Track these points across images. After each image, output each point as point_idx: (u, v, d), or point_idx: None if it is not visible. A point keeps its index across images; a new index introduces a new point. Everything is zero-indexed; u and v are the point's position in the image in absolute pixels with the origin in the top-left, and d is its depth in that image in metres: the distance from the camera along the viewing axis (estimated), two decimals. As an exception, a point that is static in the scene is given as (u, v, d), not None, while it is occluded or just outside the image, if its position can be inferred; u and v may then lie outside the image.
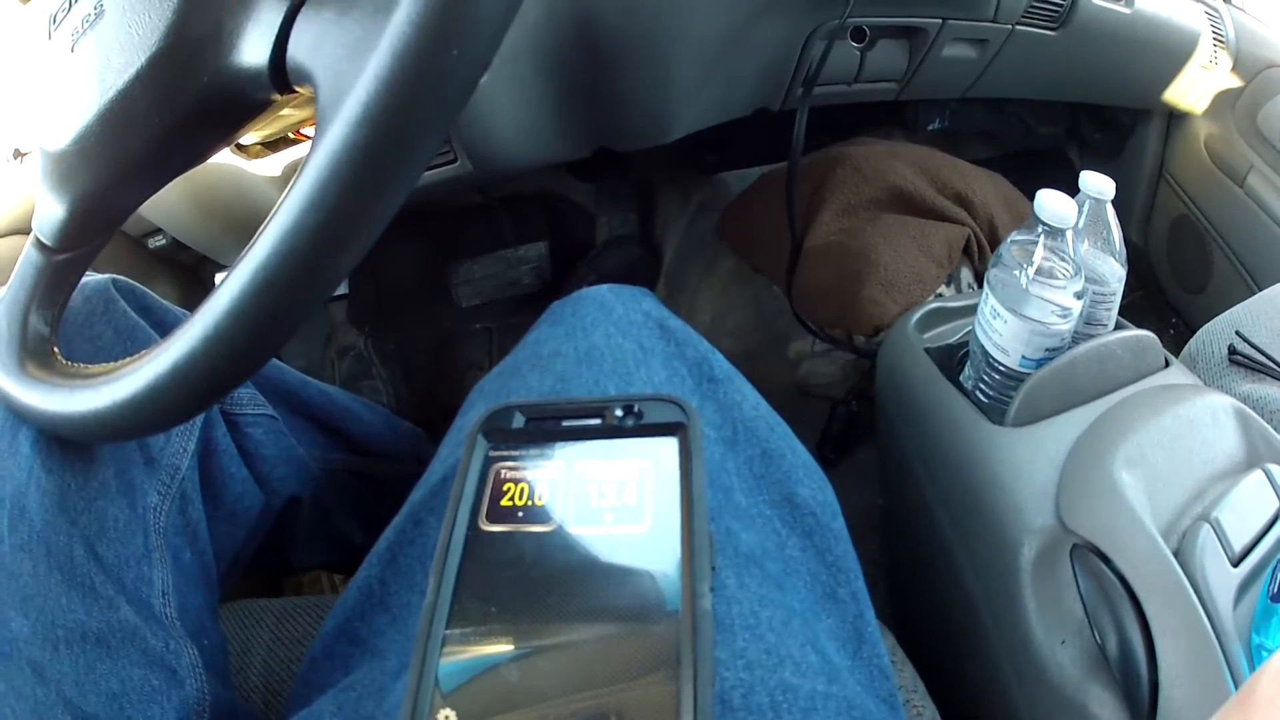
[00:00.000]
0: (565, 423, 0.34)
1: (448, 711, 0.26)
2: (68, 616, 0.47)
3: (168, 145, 0.43)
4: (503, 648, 0.28)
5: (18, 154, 1.04)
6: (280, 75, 0.38)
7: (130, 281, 0.62)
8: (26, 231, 1.01)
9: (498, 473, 0.32)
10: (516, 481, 0.32)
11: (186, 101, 0.40)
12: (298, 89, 0.39)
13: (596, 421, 0.33)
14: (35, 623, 0.46)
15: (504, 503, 0.31)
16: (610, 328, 0.55)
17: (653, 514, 0.30)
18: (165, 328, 0.60)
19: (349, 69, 0.33)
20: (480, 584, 0.29)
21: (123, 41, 0.40)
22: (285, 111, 0.63)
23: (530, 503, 0.31)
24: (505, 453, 0.33)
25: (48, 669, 0.46)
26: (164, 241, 1.10)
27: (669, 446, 0.32)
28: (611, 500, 0.31)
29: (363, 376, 1.37)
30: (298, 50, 0.37)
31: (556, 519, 0.30)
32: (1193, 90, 1.32)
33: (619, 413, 0.33)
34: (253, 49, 0.38)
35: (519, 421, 0.34)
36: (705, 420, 0.52)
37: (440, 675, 0.27)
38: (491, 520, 0.31)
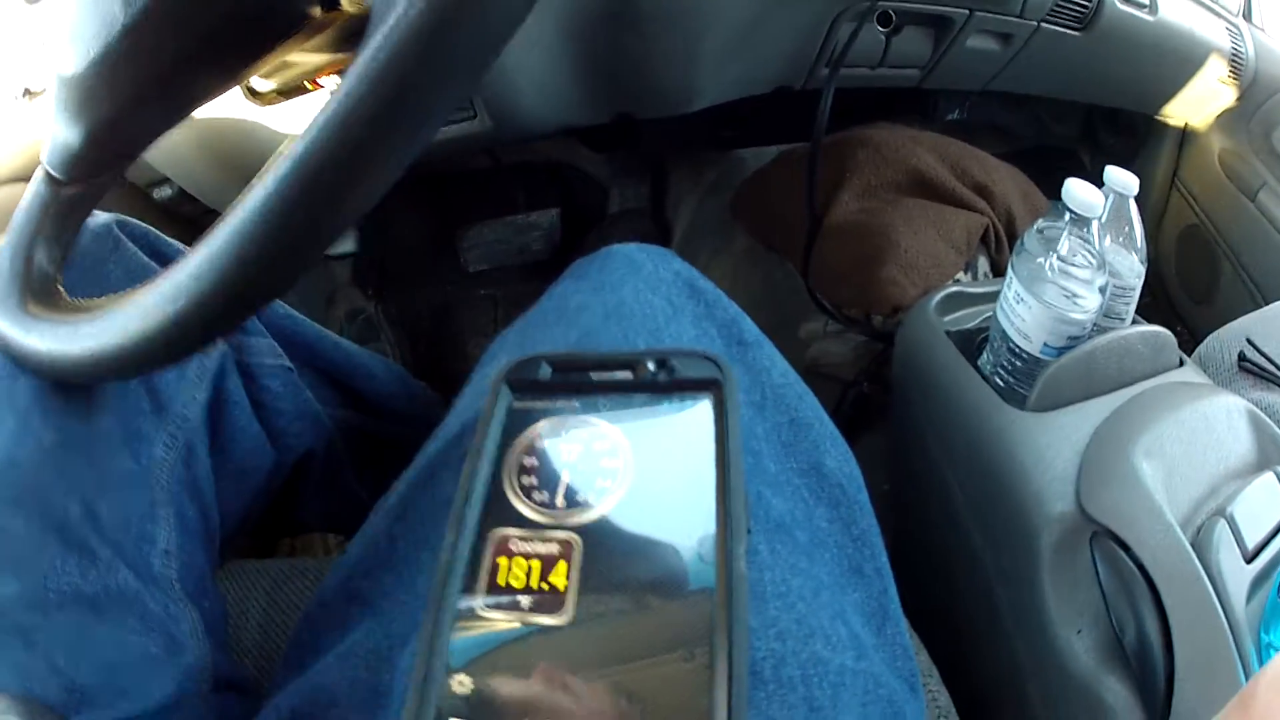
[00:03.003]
0: (594, 375, 0.32)
1: (462, 677, 0.25)
2: (61, 579, 0.44)
3: (194, 65, 0.41)
4: (524, 609, 0.26)
5: (28, 92, 1.01)
6: None
7: (140, 223, 0.59)
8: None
9: (522, 425, 0.31)
10: (542, 435, 0.31)
11: (219, 15, 0.38)
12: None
13: (627, 375, 0.32)
14: (25, 584, 0.43)
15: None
16: (639, 284, 0.53)
17: (686, 473, 0.29)
18: None
19: None
20: (501, 541, 0.28)
21: None
22: (300, 59, 0.61)
23: None
24: (531, 404, 0.32)
25: (37, 634, 0.43)
26: (170, 192, 1.08)
27: (704, 403, 0.31)
28: (643, 458, 0.29)
29: (371, 341, 1.36)
30: None
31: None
32: (1208, 104, 1.32)
33: (651, 367, 0.32)
34: None
35: (545, 373, 0.33)
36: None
37: (455, 640, 0.26)
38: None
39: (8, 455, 0.45)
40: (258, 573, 0.66)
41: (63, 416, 0.48)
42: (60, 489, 0.46)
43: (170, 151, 0.95)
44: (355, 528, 0.53)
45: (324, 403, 0.74)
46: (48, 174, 0.46)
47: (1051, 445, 0.68)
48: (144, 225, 0.59)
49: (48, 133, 0.45)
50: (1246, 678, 0.53)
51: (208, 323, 0.37)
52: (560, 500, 0.29)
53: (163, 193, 1.08)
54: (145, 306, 0.38)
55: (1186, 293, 1.45)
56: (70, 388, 0.49)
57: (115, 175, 0.49)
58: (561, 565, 0.27)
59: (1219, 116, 1.34)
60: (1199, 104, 1.32)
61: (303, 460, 0.72)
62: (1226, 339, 0.90)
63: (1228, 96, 1.31)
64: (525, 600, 0.26)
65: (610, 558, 0.27)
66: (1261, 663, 0.55)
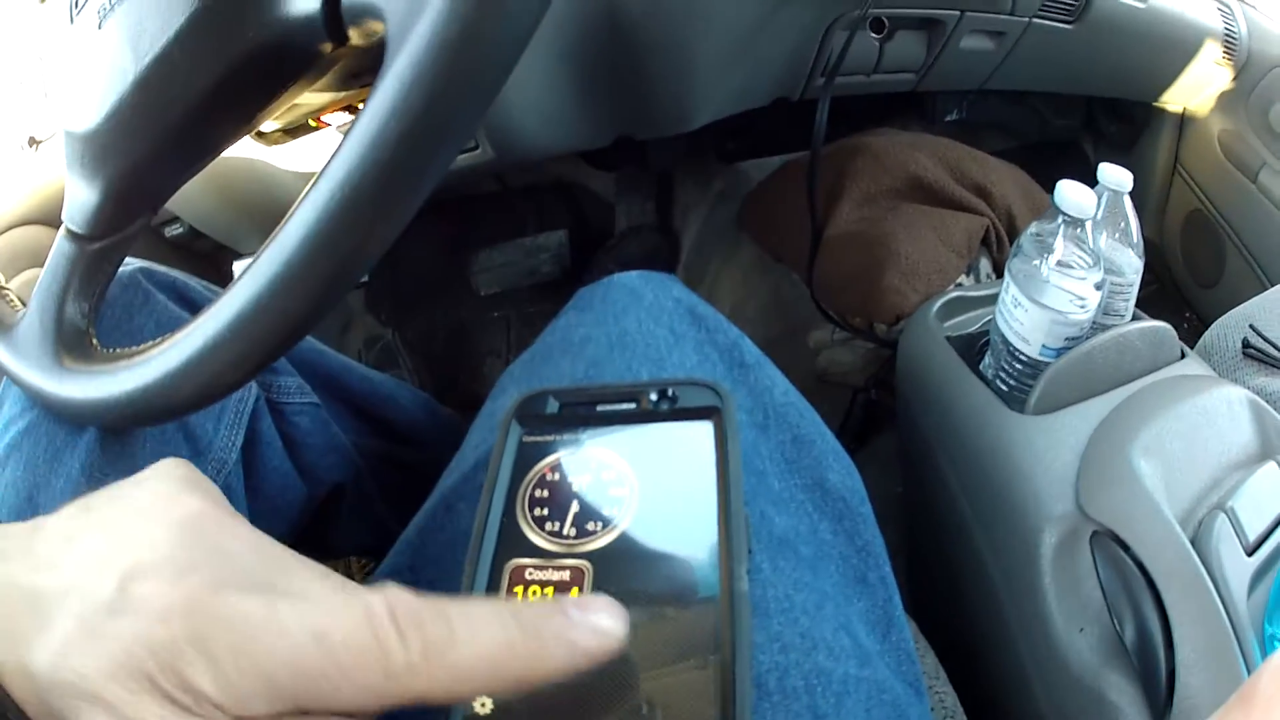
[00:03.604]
0: (599, 407, 0.33)
1: (484, 699, 0.26)
2: None
3: (208, 113, 0.41)
4: None
5: (33, 142, 1.03)
6: (334, 19, 0.36)
7: (166, 271, 0.60)
8: (41, 221, 1.02)
9: (532, 459, 0.32)
10: (552, 468, 0.32)
11: (231, 60, 0.38)
12: (352, 32, 0.37)
13: (631, 406, 0.33)
14: None
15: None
16: (641, 313, 0.54)
17: (689, 498, 0.30)
18: None
19: None
20: (516, 570, 0.29)
21: (158, 4, 0.38)
22: (305, 99, 0.62)
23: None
24: (540, 438, 0.33)
25: None
26: (181, 230, 1.10)
27: (704, 430, 0.32)
28: (648, 486, 0.30)
29: (389, 367, 1.37)
30: None
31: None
32: (1205, 87, 1.32)
33: (654, 397, 0.33)
34: None
35: (553, 407, 0.34)
36: (738, 405, 0.51)
37: None
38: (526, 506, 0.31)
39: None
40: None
41: (107, 474, 0.49)
42: None
43: (180, 192, 0.96)
44: (386, 553, 0.54)
45: (351, 433, 0.76)
46: (70, 231, 0.47)
47: (1051, 447, 0.69)
48: (170, 273, 0.60)
49: (66, 190, 0.46)
50: (1249, 671, 0.53)
51: (242, 365, 0.38)
52: (570, 529, 0.30)
53: (174, 230, 1.09)
54: (180, 352, 0.38)
55: (1194, 278, 1.44)
56: (115, 446, 0.50)
57: (140, 228, 0.49)
58: (574, 591, 0.28)
59: (1216, 98, 1.34)
60: (1196, 88, 1.32)
61: (333, 492, 0.73)
62: (1230, 326, 0.90)
63: (1224, 78, 1.31)
64: None
65: (619, 582, 0.28)
66: (1265, 654, 0.55)
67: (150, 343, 0.42)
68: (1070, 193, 0.66)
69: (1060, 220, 0.68)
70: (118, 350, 0.45)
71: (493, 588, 0.29)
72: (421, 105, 0.32)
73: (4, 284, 0.53)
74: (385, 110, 0.32)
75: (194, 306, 0.60)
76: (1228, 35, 1.26)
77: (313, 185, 0.34)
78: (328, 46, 0.38)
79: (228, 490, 0.58)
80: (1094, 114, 1.55)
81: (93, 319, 0.48)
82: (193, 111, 0.41)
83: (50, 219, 1.04)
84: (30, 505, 0.48)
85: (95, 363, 0.44)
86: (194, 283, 0.62)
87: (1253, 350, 0.85)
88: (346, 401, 0.76)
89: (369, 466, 0.78)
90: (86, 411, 0.44)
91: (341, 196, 0.33)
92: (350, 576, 0.85)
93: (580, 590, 0.28)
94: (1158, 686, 0.56)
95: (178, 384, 0.39)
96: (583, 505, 0.31)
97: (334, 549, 0.82)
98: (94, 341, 0.47)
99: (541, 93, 0.88)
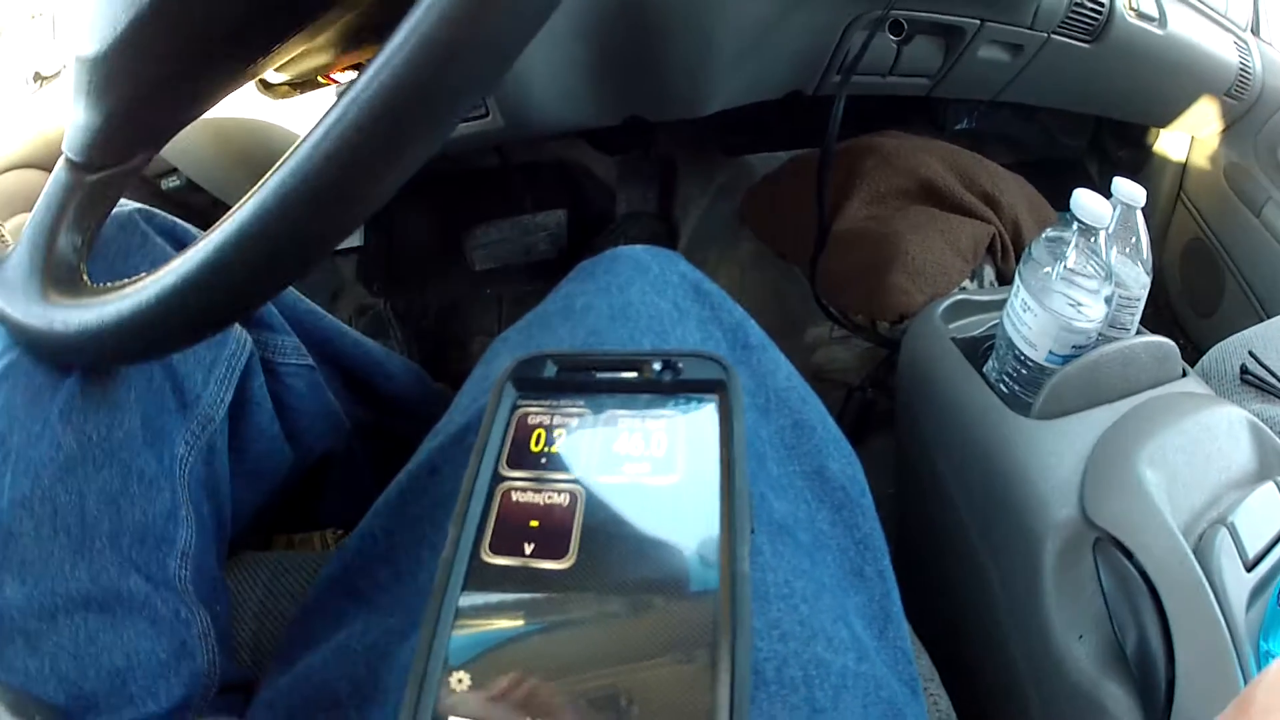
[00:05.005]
0: (600, 375, 0.32)
1: (461, 674, 0.24)
2: (70, 584, 0.43)
3: (225, 42, 0.40)
4: (525, 609, 0.26)
5: (38, 77, 1.00)
6: None
7: (165, 214, 0.58)
8: (40, 166, 1.00)
9: (526, 423, 0.31)
10: (547, 432, 0.31)
11: None
12: None
13: (633, 375, 0.31)
14: (31, 589, 0.42)
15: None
16: (645, 286, 0.53)
17: (690, 473, 0.28)
18: None
19: None
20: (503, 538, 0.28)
21: None
22: (312, 57, 0.61)
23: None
24: (535, 403, 0.31)
25: (42, 641, 0.42)
26: (178, 183, 1.08)
27: (708, 405, 0.30)
28: (647, 457, 0.29)
29: (380, 337, 1.35)
30: None
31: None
32: (1215, 118, 1.33)
33: (657, 367, 0.31)
34: None
35: (551, 371, 0.32)
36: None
37: (455, 636, 0.25)
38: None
39: (24, 458, 0.45)
40: (256, 563, 0.64)
41: (86, 420, 0.47)
42: (75, 492, 0.45)
43: (180, 143, 0.94)
44: None
45: (341, 400, 0.74)
46: (69, 161, 0.45)
47: (1055, 452, 0.68)
48: (170, 217, 0.58)
49: (68, 118, 0.44)
50: (1245, 685, 0.53)
51: (224, 305, 0.37)
52: (564, 500, 0.28)
53: (171, 183, 1.08)
54: (165, 284, 0.37)
55: (1190, 306, 1.45)
56: (97, 392, 0.48)
57: (140, 164, 0.47)
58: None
59: (1225, 131, 1.35)
60: (1205, 118, 1.32)
61: (322, 461, 0.71)
62: (1228, 351, 0.90)
63: (1234, 111, 1.31)
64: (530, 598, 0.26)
65: (611, 559, 0.27)
66: (1260, 670, 0.55)
67: (134, 278, 0.40)
68: (1087, 201, 0.67)
69: (1075, 228, 0.67)
70: (104, 285, 0.43)
71: (477, 557, 0.28)
72: (407, 96, 0.31)
73: None
74: (369, 94, 0.31)
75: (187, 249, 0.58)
76: (1242, 70, 1.27)
77: (299, 143, 0.33)
78: None
79: (211, 448, 0.56)
80: (1101, 136, 1.55)
81: (85, 254, 0.47)
82: (202, 42, 0.39)
83: (49, 164, 1.02)
84: (2, 447, 0.46)
85: (83, 296, 0.43)
86: (194, 230, 0.60)
87: (1250, 376, 0.85)
88: (338, 366, 0.74)
89: (359, 435, 0.76)
90: (70, 344, 0.42)
91: (320, 162, 0.32)
92: (326, 548, 0.83)
93: (572, 521, 0.27)
94: (1156, 697, 0.56)
95: (154, 320, 0.38)
96: (577, 475, 0.29)
97: (320, 521, 0.80)
98: (85, 277, 0.46)
99: (557, 66, 0.87)
